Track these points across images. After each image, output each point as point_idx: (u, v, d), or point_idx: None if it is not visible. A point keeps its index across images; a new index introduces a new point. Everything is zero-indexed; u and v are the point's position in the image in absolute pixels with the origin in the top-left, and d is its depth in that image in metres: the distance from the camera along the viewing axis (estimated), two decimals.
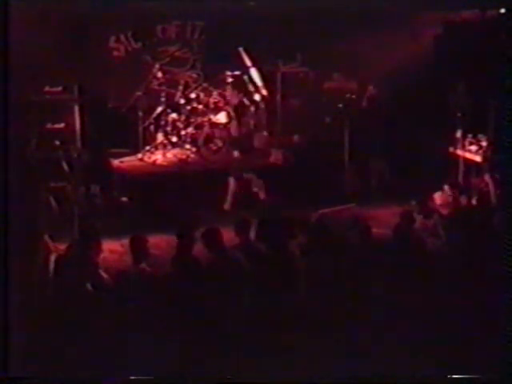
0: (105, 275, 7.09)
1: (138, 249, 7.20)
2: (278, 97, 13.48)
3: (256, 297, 6.97)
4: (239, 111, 12.91)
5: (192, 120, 12.59)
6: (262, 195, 11.42)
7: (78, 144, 11.84)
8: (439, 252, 8.12)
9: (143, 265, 7.12)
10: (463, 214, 9.03)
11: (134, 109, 12.53)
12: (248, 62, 13.05)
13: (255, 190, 11.45)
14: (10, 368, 6.63)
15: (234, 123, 12.77)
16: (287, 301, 6.98)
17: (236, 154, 12.38)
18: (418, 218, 8.55)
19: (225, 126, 12.61)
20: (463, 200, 9.47)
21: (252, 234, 7.68)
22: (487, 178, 9.93)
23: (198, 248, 7.39)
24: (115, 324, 6.64)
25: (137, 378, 6.61)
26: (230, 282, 6.98)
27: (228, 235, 7.62)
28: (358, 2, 8.63)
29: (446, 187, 9.51)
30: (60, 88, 11.83)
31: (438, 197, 9.48)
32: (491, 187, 9.62)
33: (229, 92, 12.90)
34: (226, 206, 11.25)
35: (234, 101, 12.88)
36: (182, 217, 10.20)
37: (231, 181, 11.32)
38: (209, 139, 12.54)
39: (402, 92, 11.36)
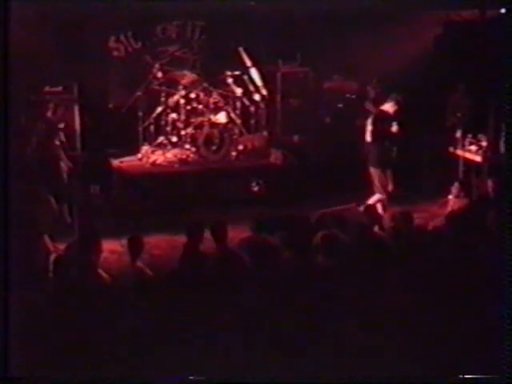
0: (105, 275, 7.08)
1: (137, 249, 7.19)
2: (278, 97, 13.49)
3: (256, 298, 6.96)
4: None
5: (192, 120, 12.56)
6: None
7: (78, 144, 11.86)
8: (437, 251, 8.11)
9: (140, 264, 7.13)
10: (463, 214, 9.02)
11: (133, 109, 12.52)
12: (248, 62, 13.03)
13: None
14: (10, 368, 6.63)
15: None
16: (288, 300, 6.97)
17: None
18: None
19: (225, 126, 12.58)
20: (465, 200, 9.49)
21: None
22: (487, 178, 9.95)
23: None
24: (115, 324, 6.63)
25: (136, 379, 6.61)
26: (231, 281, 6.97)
27: None
28: (358, 2, 8.64)
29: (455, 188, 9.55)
30: (60, 88, 11.84)
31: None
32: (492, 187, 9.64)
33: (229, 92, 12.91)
34: None
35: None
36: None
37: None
38: (209, 139, 12.51)
39: (402, 92, 11.34)
